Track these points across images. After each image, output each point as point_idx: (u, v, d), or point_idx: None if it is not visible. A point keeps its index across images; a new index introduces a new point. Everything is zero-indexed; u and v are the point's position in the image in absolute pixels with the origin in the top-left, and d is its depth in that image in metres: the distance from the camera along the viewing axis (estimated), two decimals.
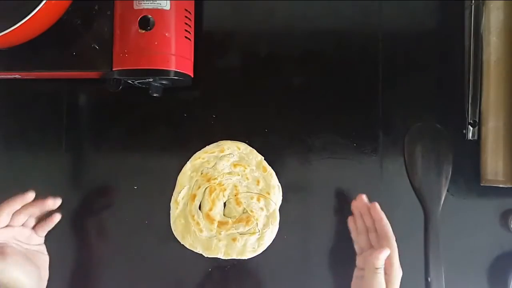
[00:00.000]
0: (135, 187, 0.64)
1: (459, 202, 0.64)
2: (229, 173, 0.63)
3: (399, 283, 0.54)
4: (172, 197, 0.63)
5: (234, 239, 0.61)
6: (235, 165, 0.63)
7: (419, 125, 0.65)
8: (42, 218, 0.58)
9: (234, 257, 0.62)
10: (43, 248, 0.57)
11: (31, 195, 0.56)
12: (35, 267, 0.54)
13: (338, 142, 0.64)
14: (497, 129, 0.62)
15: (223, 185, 0.63)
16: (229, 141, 0.64)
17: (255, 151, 0.64)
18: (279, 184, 0.63)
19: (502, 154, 0.61)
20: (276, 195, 0.63)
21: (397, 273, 0.54)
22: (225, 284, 0.63)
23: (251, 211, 0.62)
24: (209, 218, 0.62)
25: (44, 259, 0.56)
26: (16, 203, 0.55)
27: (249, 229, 0.62)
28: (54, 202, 0.57)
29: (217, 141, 0.64)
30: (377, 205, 0.58)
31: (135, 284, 0.63)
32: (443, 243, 0.62)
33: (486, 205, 0.63)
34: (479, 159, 0.63)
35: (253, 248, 0.62)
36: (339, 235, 0.63)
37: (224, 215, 0.63)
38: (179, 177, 0.63)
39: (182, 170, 0.64)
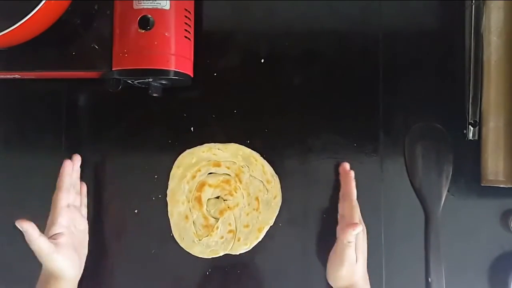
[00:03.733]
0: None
1: (459, 202, 0.64)
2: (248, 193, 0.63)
3: (365, 243, 0.58)
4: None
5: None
6: (257, 199, 0.63)
7: (419, 125, 0.64)
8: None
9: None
10: (86, 240, 0.60)
11: (68, 163, 0.60)
12: (79, 259, 0.57)
13: (338, 142, 0.64)
14: (497, 129, 0.61)
15: (236, 193, 0.62)
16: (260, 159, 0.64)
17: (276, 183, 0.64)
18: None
19: (502, 154, 0.61)
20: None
21: (362, 234, 0.57)
22: (225, 285, 0.63)
23: (217, 228, 0.62)
24: (199, 201, 0.62)
25: (84, 253, 0.60)
26: (68, 177, 0.59)
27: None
28: (75, 157, 0.62)
29: (216, 142, 0.64)
30: (351, 172, 0.61)
31: (134, 284, 0.63)
32: (443, 243, 0.62)
33: (487, 205, 0.63)
34: (480, 159, 0.63)
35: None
36: None
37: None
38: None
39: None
